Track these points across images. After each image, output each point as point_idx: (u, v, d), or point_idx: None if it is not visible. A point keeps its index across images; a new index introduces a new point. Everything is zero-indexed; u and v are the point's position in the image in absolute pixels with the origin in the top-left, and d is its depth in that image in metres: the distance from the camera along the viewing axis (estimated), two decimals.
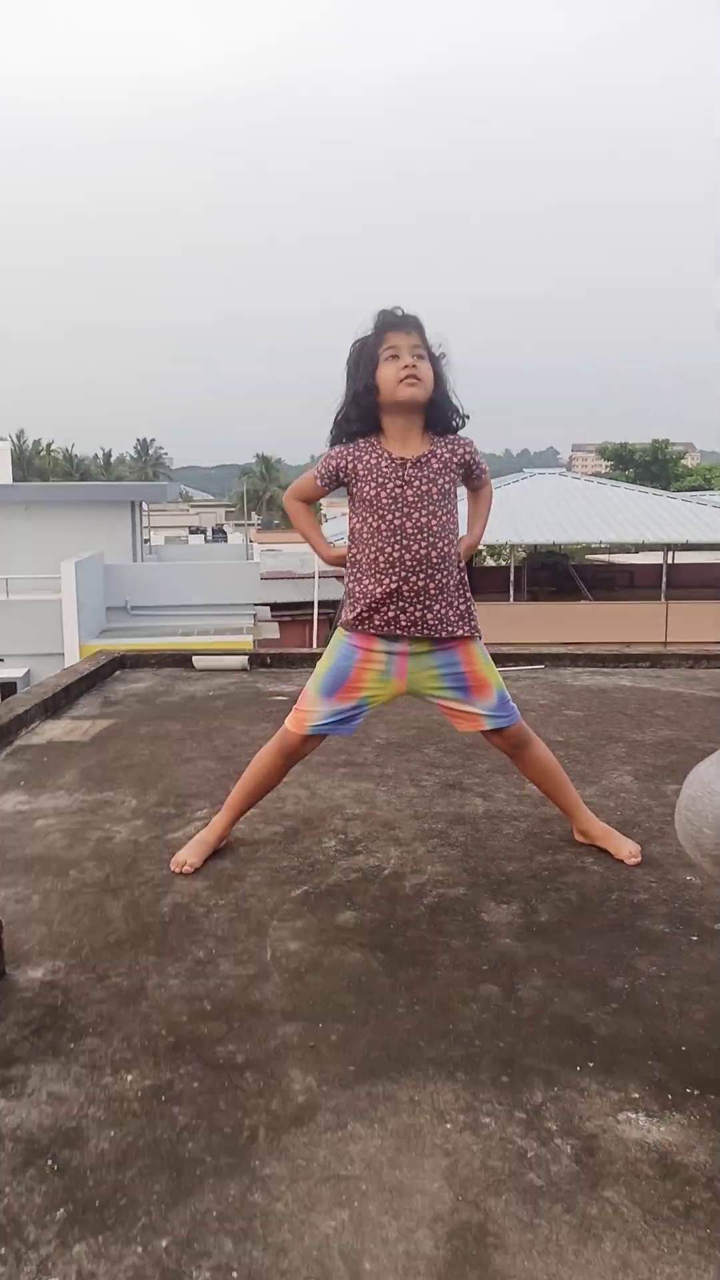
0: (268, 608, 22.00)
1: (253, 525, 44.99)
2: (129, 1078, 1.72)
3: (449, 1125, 1.57)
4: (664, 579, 23.23)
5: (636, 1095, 1.64)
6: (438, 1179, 1.45)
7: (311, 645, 22.10)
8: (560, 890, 2.44)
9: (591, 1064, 1.73)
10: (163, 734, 4.04)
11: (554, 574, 27.27)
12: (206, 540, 32.75)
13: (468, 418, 2.52)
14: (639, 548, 25.55)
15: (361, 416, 2.47)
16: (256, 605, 20.49)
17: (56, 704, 4.51)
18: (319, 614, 23.26)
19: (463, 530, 2.55)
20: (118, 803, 3.18)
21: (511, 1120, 1.58)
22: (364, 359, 2.42)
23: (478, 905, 2.36)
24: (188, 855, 2.60)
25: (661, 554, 24.13)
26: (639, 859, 2.58)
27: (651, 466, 65.37)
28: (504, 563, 25.18)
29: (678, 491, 38.36)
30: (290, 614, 24.07)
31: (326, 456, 2.52)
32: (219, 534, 36.15)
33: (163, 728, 4.14)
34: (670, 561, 23.79)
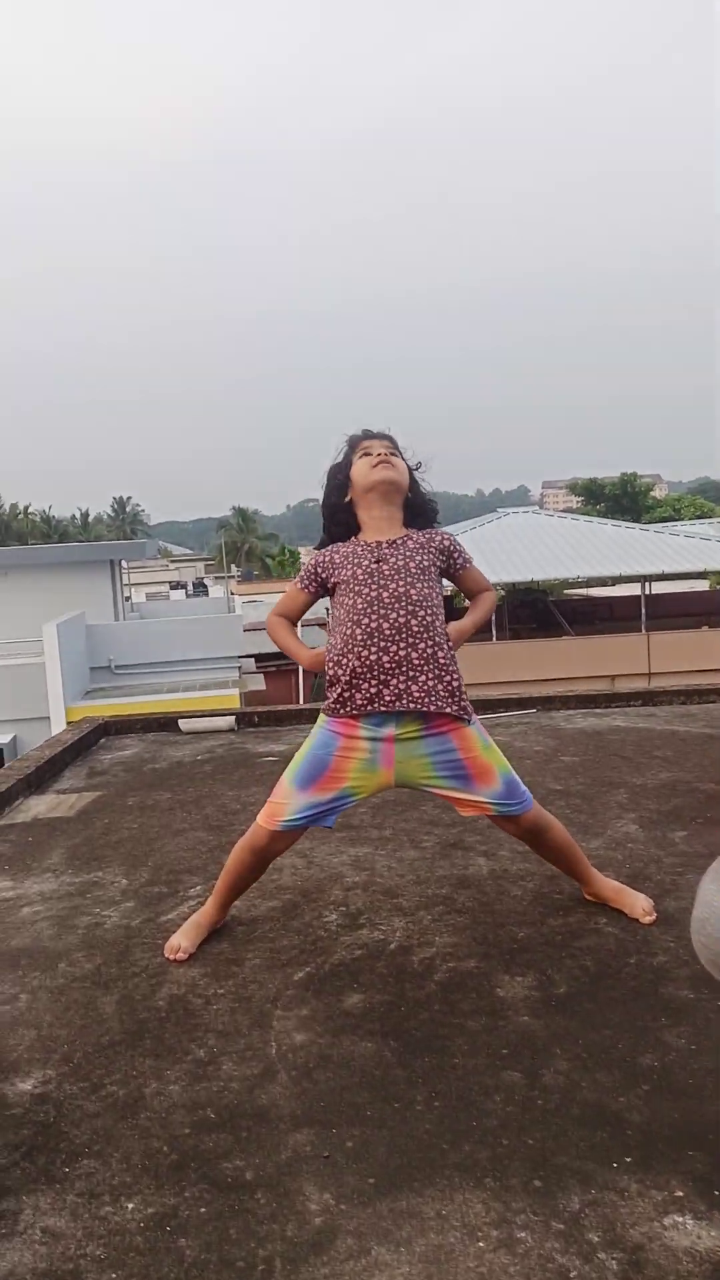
0: (252, 659, 21.87)
1: (233, 578, 44.98)
2: (130, 1206, 1.58)
3: (482, 1243, 1.44)
4: (643, 610, 23.29)
5: (680, 1193, 1.52)
6: None
7: (297, 697, 21.97)
8: (576, 956, 2.32)
9: (628, 1159, 1.61)
10: (151, 804, 3.90)
11: (534, 611, 27.30)
12: (188, 595, 32.65)
13: (437, 512, 2.57)
14: (616, 580, 25.67)
15: (339, 527, 2.50)
16: (241, 657, 20.35)
17: (41, 778, 4.38)
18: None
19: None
20: (107, 883, 3.04)
21: (549, 1232, 1.45)
22: (339, 471, 2.49)
23: (491, 979, 2.24)
24: (181, 940, 2.47)
25: (639, 585, 24.22)
26: (654, 916, 2.47)
27: (622, 500, 66.01)
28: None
29: (650, 523, 38.71)
30: (275, 664, 23.94)
31: (305, 565, 2.53)
32: (200, 588, 36.06)
33: (151, 797, 4.01)
34: (648, 592, 23.87)
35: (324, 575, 2.44)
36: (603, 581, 25.27)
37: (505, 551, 23.11)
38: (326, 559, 2.45)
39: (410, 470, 2.51)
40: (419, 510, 2.52)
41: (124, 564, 23.47)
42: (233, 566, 52.78)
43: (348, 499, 2.47)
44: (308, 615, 2.62)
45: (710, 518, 45.80)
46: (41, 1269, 1.46)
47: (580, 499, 72.45)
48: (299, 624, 2.62)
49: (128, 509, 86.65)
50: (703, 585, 29.91)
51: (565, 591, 30.91)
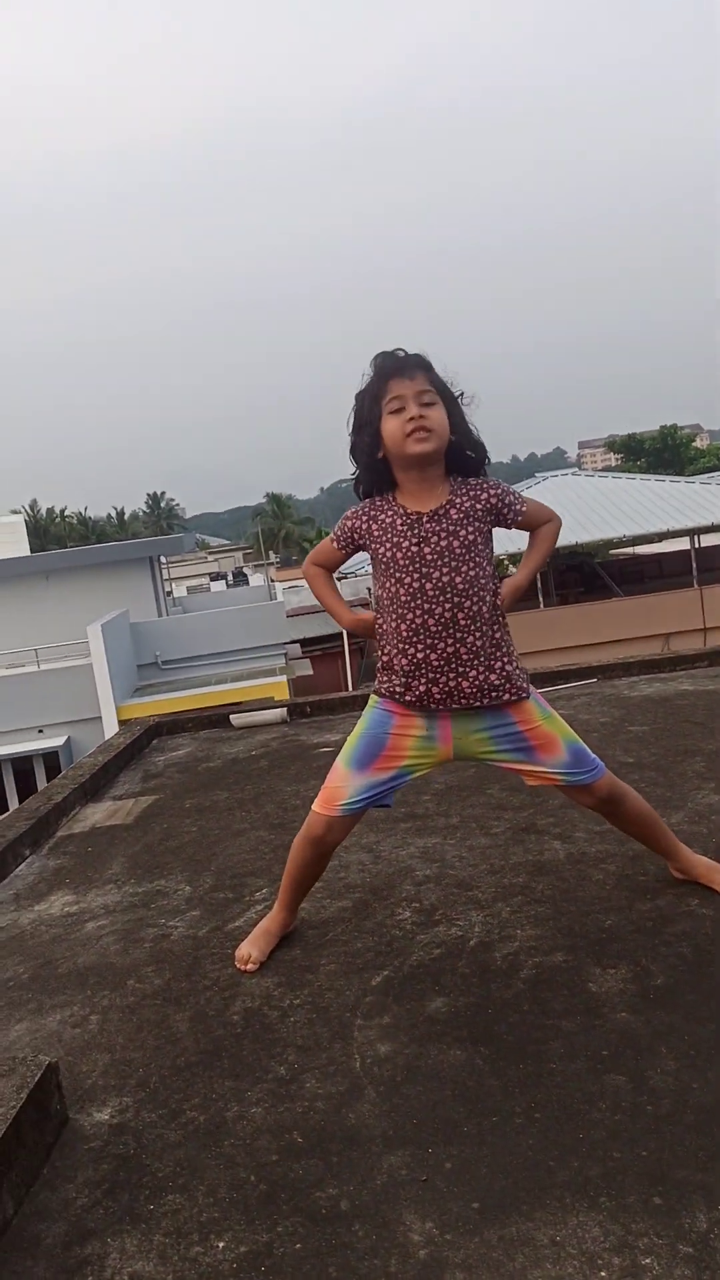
0: (298, 644, 21.85)
1: (272, 564, 45.00)
2: (220, 1245, 1.49)
3: (604, 1273, 1.32)
4: (694, 564, 22.81)
5: None
6: None
7: (345, 681, 21.91)
8: (670, 944, 2.18)
9: None
10: (209, 805, 3.82)
11: (581, 574, 26.91)
12: (228, 585, 32.69)
13: (485, 459, 2.26)
14: (663, 536, 25.17)
15: (372, 478, 2.25)
16: (286, 644, 20.33)
17: (96, 785, 4.32)
18: (350, 644, 23.06)
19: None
20: (170, 891, 2.96)
21: (677, 1257, 1.33)
22: (366, 415, 2.18)
23: (582, 973, 2.11)
24: (251, 950, 2.36)
25: (688, 540, 23.72)
26: None
27: (663, 454, 64.80)
28: None
29: (694, 475, 37.89)
30: (321, 648, 23.92)
31: (342, 518, 2.30)
32: (240, 577, 36.12)
33: (208, 798, 3.93)
34: (697, 546, 23.36)
35: (360, 542, 2.26)
36: (649, 539, 24.78)
37: None
38: (364, 526, 2.23)
39: (450, 407, 2.17)
40: (463, 458, 2.22)
41: (163, 559, 23.56)
42: (270, 553, 52.84)
43: (380, 454, 2.19)
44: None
45: None
46: None
47: (619, 456, 71.29)
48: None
49: (162, 504, 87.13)
50: None
51: (611, 552, 30.43)
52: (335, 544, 2.31)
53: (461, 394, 2.21)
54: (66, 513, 76.10)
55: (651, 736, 3.86)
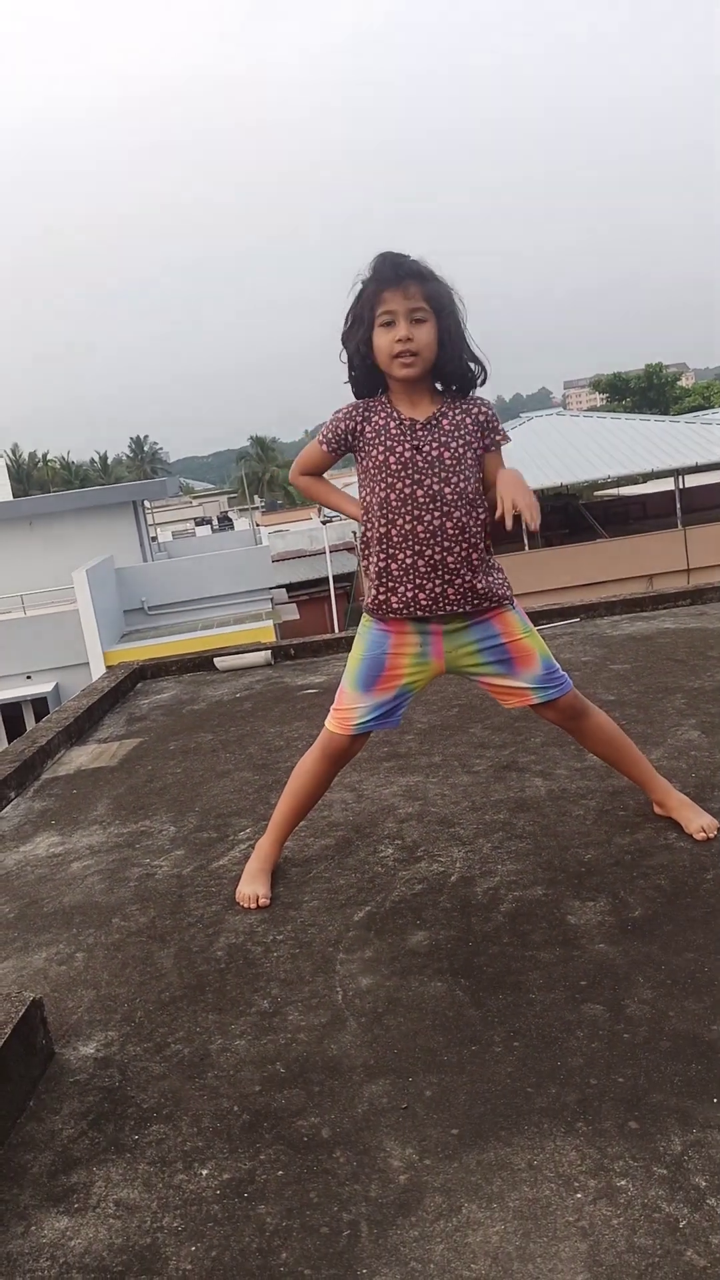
0: (284, 589, 21.80)
1: (257, 509, 44.67)
2: (204, 1172, 1.51)
3: (580, 1195, 1.35)
4: (678, 505, 22.74)
5: None
6: (580, 1270, 1.23)
7: (331, 625, 21.89)
8: (649, 876, 2.21)
9: None
10: (193, 747, 3.82)
11: (565, 515, 26.79)
12: (213, 530, 32.47)
13: (483, 377, 2.23)
14: (648, 477, 25.06)
15: (361, 376, 2.24)
16: (272, 589, 20.27)
17: (80, 728, 4.31)
18: (335, 589, 23.01)
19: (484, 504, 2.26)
20: (155, 832, 2.97)
21: (651, 1179, 1.36)
22: (360, 318, 2.16)
23: (561, 906, 2.13)
24: (256, 889, 2.38)
25: (672, 480, 23.62)
26: (709, 836, 2.33)
27: (648, 393, 64.20)
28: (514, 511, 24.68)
29: (679, 415, 37.59)
30: (307, 593, 23.88)
31: (333, 417, 2.27)
32: (225, 522, 35.84)
33: (192, 740, 3.93)
34: (682, 486, 23.27)
35: (352, 441, 2.24)
36: (633, 480, 24.67)
37: (531, 457, 22.57)
38: (358, 426, 2.22)
39: (443, 323, 2.13)
40: (452, 372, 2.19)
41: (147, 504, 23.36)
42: (255, 498, 52.39)
43: (372, 362, 2.17)
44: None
45: None
46: (118, 1244, 1.39)
47: (605, 396, 70.61)
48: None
49: (146, 448, 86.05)
50: None
51: (595, 493, 30.31)
52: (324, 446, 2.29)
53: (458, 304, 2.16)
54: (49, 457, 75.10)
55: (633, 674, 3.87)
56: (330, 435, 2.26)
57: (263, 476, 65.37)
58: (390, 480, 2.19)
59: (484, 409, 2.24)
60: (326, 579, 23.01)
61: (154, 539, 24.91)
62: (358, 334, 2.17)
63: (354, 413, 2.24)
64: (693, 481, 24.54)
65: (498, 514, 2.10)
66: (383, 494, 2.20)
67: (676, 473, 22.87)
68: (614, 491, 30.38)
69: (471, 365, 2.21)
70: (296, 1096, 1.65)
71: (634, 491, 29.17)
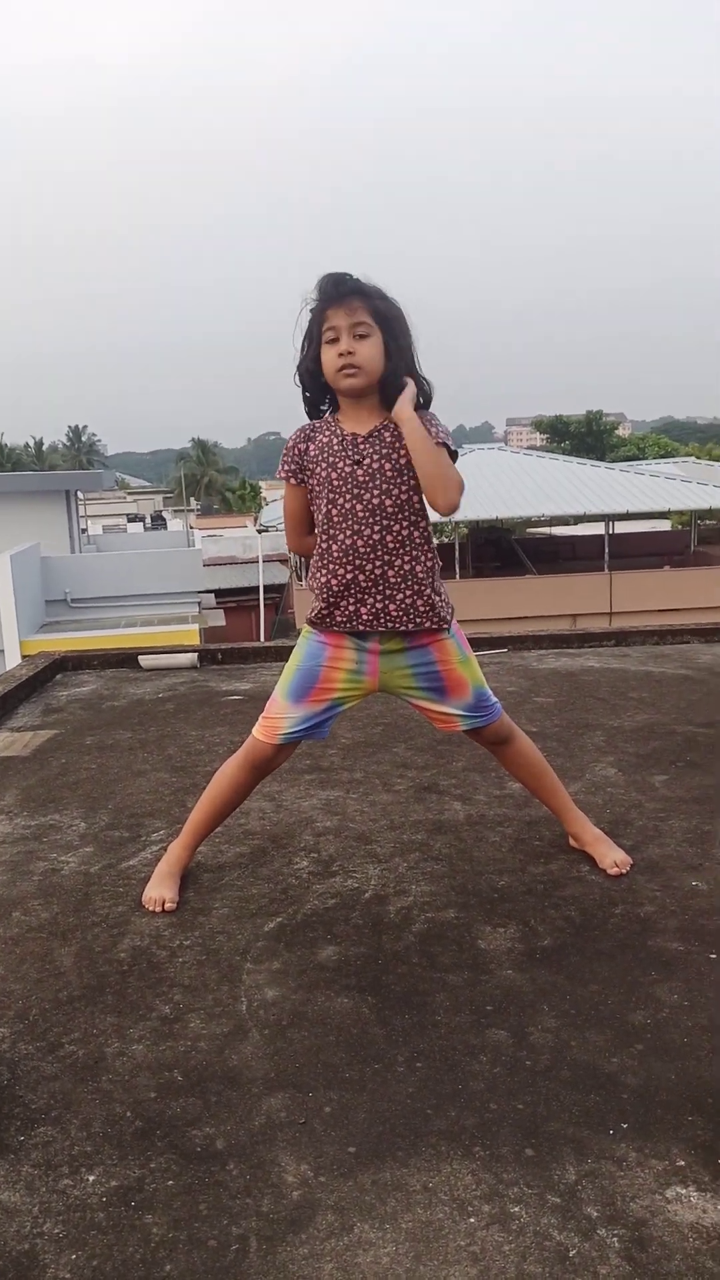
0: (212, 594, 21.59)
1: (192, 511, 44.24)
2: (90, 1178, 1.47)
3: (473, 1219, 1.34)
4: (606, 549, 23.28)
5: (682, 1163, 1.43)
6: None
7: (258, 634, 21.77)
8: (559, 906, 2.23)
9: (625, 1125, 1.52)
10: (110, 744, 3.74)
11: (497, 549, 27.20)
12: (146, 528, 32.06)
13: (430, 392, 2.24)
14: (579, 519, 25.59)
15: (314, 396, 2.28)
16: (200, 593, 20.06)
17: None
18: (265, 599, 22.91)
19: (430, 516, 2.28)
20: (64, 826, 2.89)
21: (544, 1207, 1.36)
22: (309, 336, 2.20)
23: (472, 930, 2.14)
24: (163, 892, 2.33)
25: (603, 525, 24.19)
26: (622, 871, 2.37)
27: (587, 438, 65.75)
28: (447, 539, 25.03)
29: (614, 462, 38.57)
30: (235, 600, 23.68)
31: (284, 449, 2.32)
32: (158, 521, 35.41)
33: (110, 736, 3.85)
34: (611, 532, 23.84)
35: (302, 463, 2.26)
36: (566, 520, 25.19)
37: (470, 488, 22.72)
38: (303, 448, 2.26)
39: (388, 338, 2.14)
40: (395, 388, 2.17)
41: (80, 495, 22.91)
42: (192, 500, 51.93)
43: (323, 380, 2.20)
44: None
45: (674, 457, 45.85)
46: None
47: (545, 436, 72.07)
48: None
49: (84, 438, 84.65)
50: (665, 525, 30.02)
51: (528, 530, 30.86)
52: (290, 480, 2.29)
53: (401, 320, 2.18)
54: None
55: (556, 708, 3.93)
56: (287, 466, 2.28)
57: (201, 479, 64.87)
58: (332, 496, 2.20)
59: (424, 417, 2.20)
60: (257, 588, 22.90)
61: (84, 531, 24.45)
62: (308, 354, 2.20)
63: (299, 436, 2.28)
64: (622, 528, 25.18)
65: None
66: (325, 509, 2.22)
67: (608, 518, 23.42)
68: (546, 530, 30.98)
69: (419, 384, 2.21)
70: (192, 1105, 1.61)
71: (565, 532, 29.78)
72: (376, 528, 2.18)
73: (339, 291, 2.14)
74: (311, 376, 2.23)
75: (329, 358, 2.15)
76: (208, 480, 65.42)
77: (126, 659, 5.20)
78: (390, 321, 2.17)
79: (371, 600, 2.21)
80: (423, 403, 2.25)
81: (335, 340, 2.14)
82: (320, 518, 2.25)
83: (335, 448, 2.21)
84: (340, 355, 2.13)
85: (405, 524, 2.20)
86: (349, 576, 2.21)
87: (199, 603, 19.46)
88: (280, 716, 2.30)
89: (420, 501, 2.23)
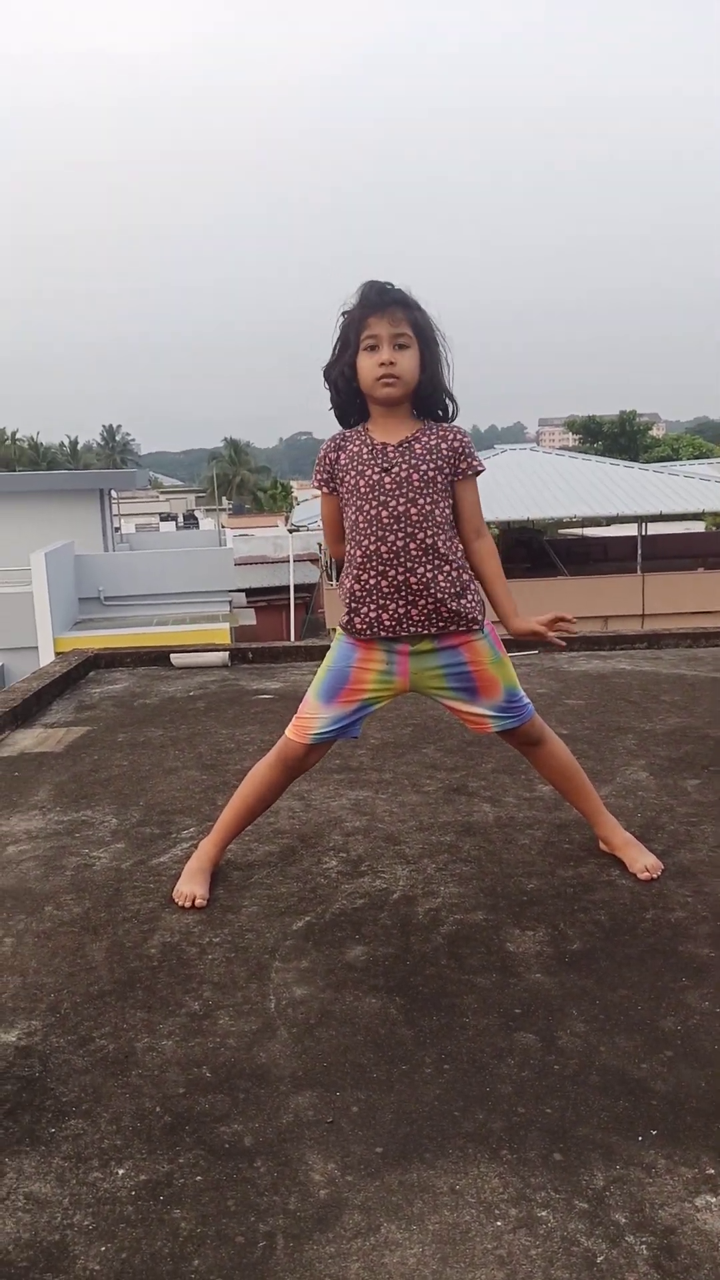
0: (243, 594, 21.69)
1: (224, 510, 44.47)
2: (120, 1172, 1.48)
3: (500, 1222, 1.34)
4: (639, 551, 23.09)
5: (712, 1171, 1.42)
6: None
7: (288, 634, 21.83)
8: (589, 910, 2.22)
9: (654, 1131, 1.51)
10: (142, 741, 3.77)
11: (529, 550, 27.04)
12: (178, 527, 32.26)
13: (454, 411, 2.31)
14: (612, 520, 25.40)
15: (344, 400, 2.29)
16: (231, 592, 20.15)
17: (27, 711, 4.24)
18: (295, 598, 22.97)
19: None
20: (96, 823, 2.92)
21: (572, 1212, 1.35)
22: (346, 343, 2.21)
23: (500, 933, 2.13)
24: (194, 889, 2.35)
25: (635, 526, 23.99)
26: (653, 876, 2.35)
27: (620, 439, 65.22)
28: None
29: (647, 463, 38.24)
30: (266, 599, 23.77)
31: (316, 459, 2.35)
32: (190, 520, 35.62)
33: (142, 734, 3.88)
34: (644, 533, 23.64)
35: (332, 471, 2.29)
36: (598, 521, 25.01)
37: (501, 488, 22.78)
38: (334, 457, 2.29)
39: (425, 351, 2.19)
40: (430, 400, 2.25)
41: (114, 494, 23.10)
42: (224, 499, 52.20)
43: (356, 386, 2.23)
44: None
45: (709, 458, 45.39)
46: (25, 1239, 1.36)
47: (578, 437, 71.58)
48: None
49: (118, 438, 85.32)
50: (699, 527, 29.71)
51: (560, 531, 30.66)
52: (324, 489, 2.33)
53: (440, 335, 2.23)
54: (18, 435, 74.12)
55: (587, 711, 3.91)
56: (320, 475, 2.32)
57: (233, 479, 65.16)
58: (359, 503, 2.22)
59: (459, 436, 2.27)
60: (287, 587, 22.96)
61: (117, 529, 24.65)
62: (343, 358, 2.22)
63: (330, 445, 2.31)
64: (655, 529, 24.95)
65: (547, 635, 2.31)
66: (353, 516, 2.25)
67: (640, 519, 23.22)
68: (578, 531, 30.76)
69: (445, 400, 2.27)
70: (221, 1102, 1.62)
71: (597, 533, 29.55)
72: (401, 535, 2.19)
73: (383, 300, 2.17)
74: (345, 381, 2.24)
75: (368, 365, 2.17)
76: (240, 480, 65.69)
77: (159, 657, 5.24)
78: (427, 334, 2.21)
79: (394, 606, 2.23)
80: (446, 415, 2.30)
81: (375, 348, 2.16)
82: (348, 524, 2.27)
83: (365, 456, 2.23)
84: (381, 364, 2.15)
85: (429, 533, 2.21)
86: (371, 582, 2.23)
87: (230, 601, 19.56)
88: (312, 716, 2.31)
89: (445, 513, 2.24)
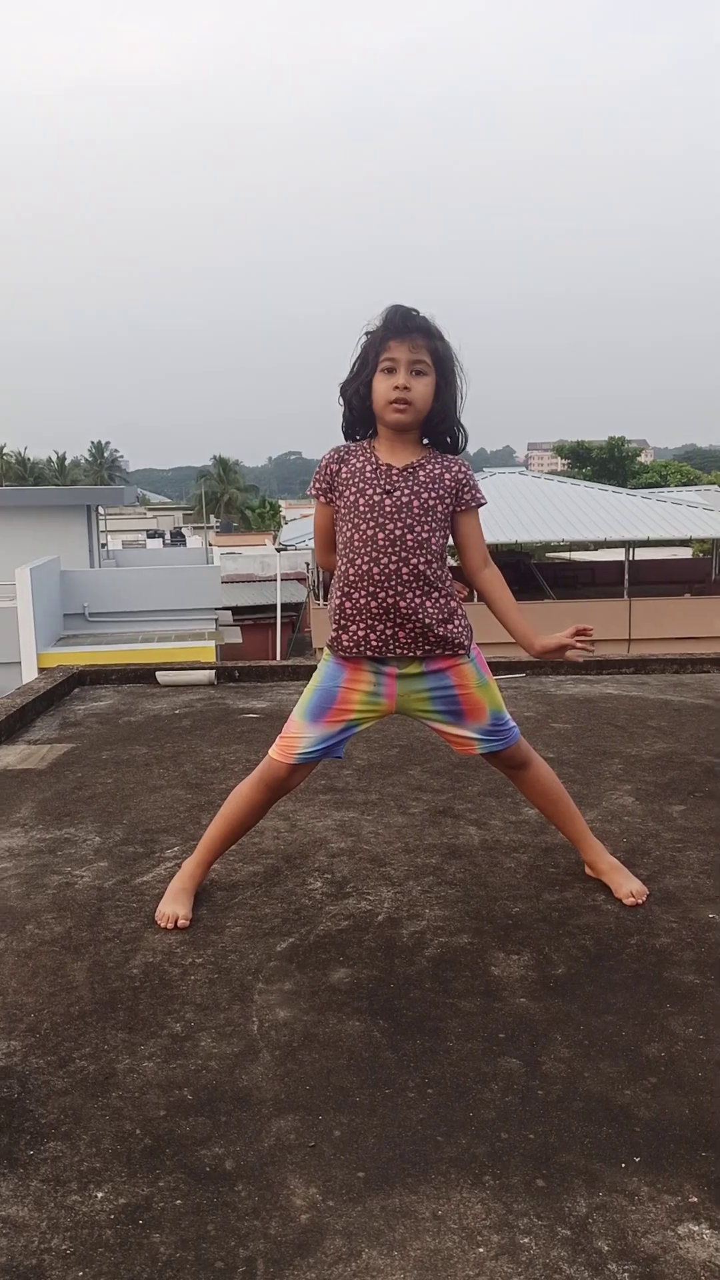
0: (229, 612, 21.66)
1: (212, 528, 44.48)
2: (99, 1195, 1.46)
3: (482, 1249, 1.33)
4: (626, 576, 23.22)
5: (695, 1199, 1.42)
6: None
7: (274, 652, 21.81)
8: (574, 935, 2.22)
9: (637, 1158, 1.50)
10: (126, 759, 3.76)
11: (516, 573, 27.15)
12: (165, 544, 32.25)
13: (464, 443, 2.33)
14: (599, 545, 25.55)
15: (357, 417, 2.30)
16: (218, 609, 20.13)
17: (10, 727, 4.21)
18: (282, 617, 22.96)
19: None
20: (79, 841, 2.90)
21: (554, 1239, 1.34)
22: (364, 362, 2.23)
23: (485, 956, 2.13)
24: (176, 909, 2.34)
25: (622, 551, 24.13)
26: (638, 901, 2.36)
27: (609, 464, 65.72)
28: (460, 563, 24.96)
29: (635, 489, 38.53)
30: (252, 618, 23.75)
31: (316, 468, 2.34)
32: (177, 537, 35.62)
33: (126, 752, 3.86)
34: (631, 558, 23.79)
35: (332, 483, 2.29)
36: (585, 546, 25.15)
37: (490, 511, 22.87)
38: (335, 469, 2.28)
39: (441, 379, 2.21)
40: (439, 429, 2.27)
41: (101, 510, 23.08)
42: (211, 517, 52.21)
43: (369, 405, 2.24)
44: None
45: (696, 485, 45.77)
46: (1, 1264, 1.34)
47: (566, 461, 72.12)
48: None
49: (105, 454, 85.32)
50: (686, 553, 29.92)
51: (548, 555, 30.81)
52: (320, 498, 2.32)
53: (458, 365, 2.24)
54: (5, 450, 74.04)
55: (573, 735, 3.92)
56: (319, 484, 2.31)
57: (221, 497, 65.24)
58: (356, 521, 2.23)
59: (462, 468, 2.29)
60: (274, 606, 22.96)
61: (104, 546, 24.63)
62: (360, 377, 2.23)
63: (332, 456, 2.30)
64: (642, 555, 25.13)
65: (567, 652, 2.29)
66: (348, 534, 2.25)
67: (628, 544, 23.37)
68: (566, 555, 30.93)
69: (455, 431, 2.29)
70: (202, 1125, 1.61)
71: (584, 557, 29.73)
72: (394, 558, 2.20)
73: (406, 326, 2.19)
74: (360, 400, 2.25)
75: (383, 388, 2.18)
76: (228, 498, 65.79)
77: (144, 674, 5.23)
78: (445, 364, 2.23)
79: (382, 627, 2.23)
80: (455, 445, 2.32)
81: (392, 371, 2.17)
82: (341, 542, 2.27)
83: (368, 475, 2.23)
84: (395, 389, 2.16)
85: (421, 560, 2.22)
86: (361, 602, 2.23)
87: (216, 619, 19.52)
88: (297, 736, 2.31)
89: (439, 543, 2.26)
